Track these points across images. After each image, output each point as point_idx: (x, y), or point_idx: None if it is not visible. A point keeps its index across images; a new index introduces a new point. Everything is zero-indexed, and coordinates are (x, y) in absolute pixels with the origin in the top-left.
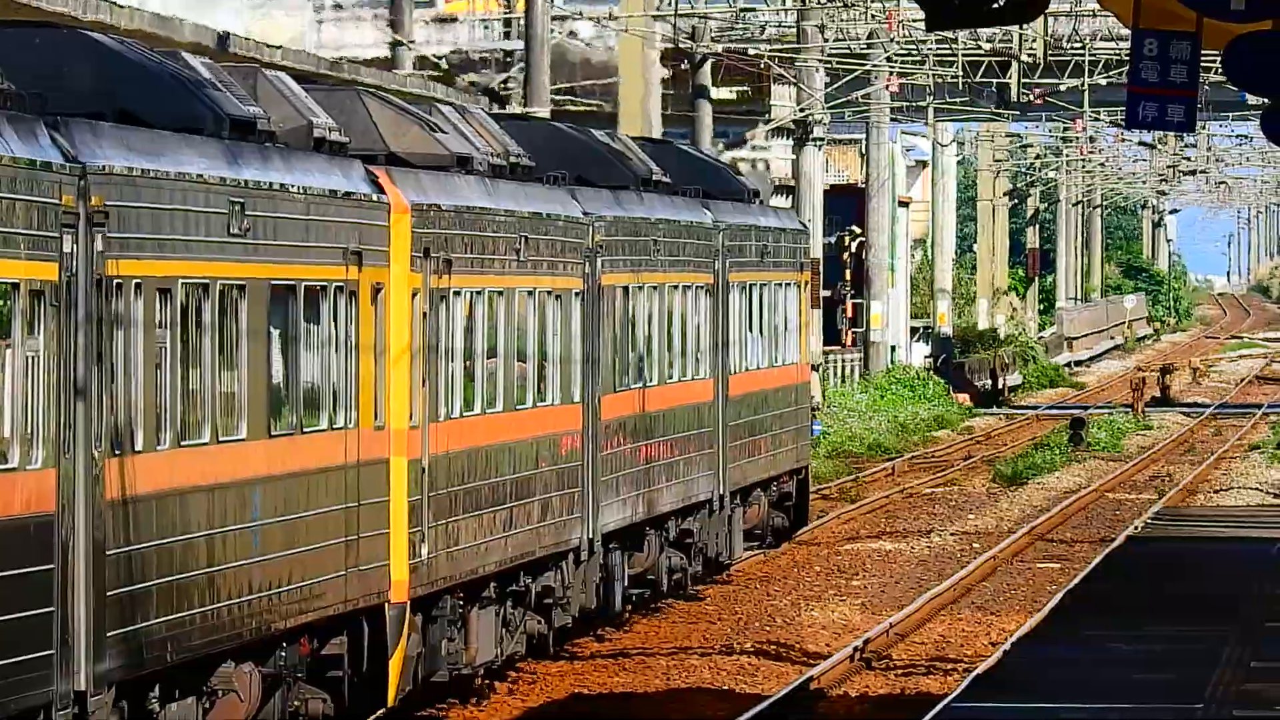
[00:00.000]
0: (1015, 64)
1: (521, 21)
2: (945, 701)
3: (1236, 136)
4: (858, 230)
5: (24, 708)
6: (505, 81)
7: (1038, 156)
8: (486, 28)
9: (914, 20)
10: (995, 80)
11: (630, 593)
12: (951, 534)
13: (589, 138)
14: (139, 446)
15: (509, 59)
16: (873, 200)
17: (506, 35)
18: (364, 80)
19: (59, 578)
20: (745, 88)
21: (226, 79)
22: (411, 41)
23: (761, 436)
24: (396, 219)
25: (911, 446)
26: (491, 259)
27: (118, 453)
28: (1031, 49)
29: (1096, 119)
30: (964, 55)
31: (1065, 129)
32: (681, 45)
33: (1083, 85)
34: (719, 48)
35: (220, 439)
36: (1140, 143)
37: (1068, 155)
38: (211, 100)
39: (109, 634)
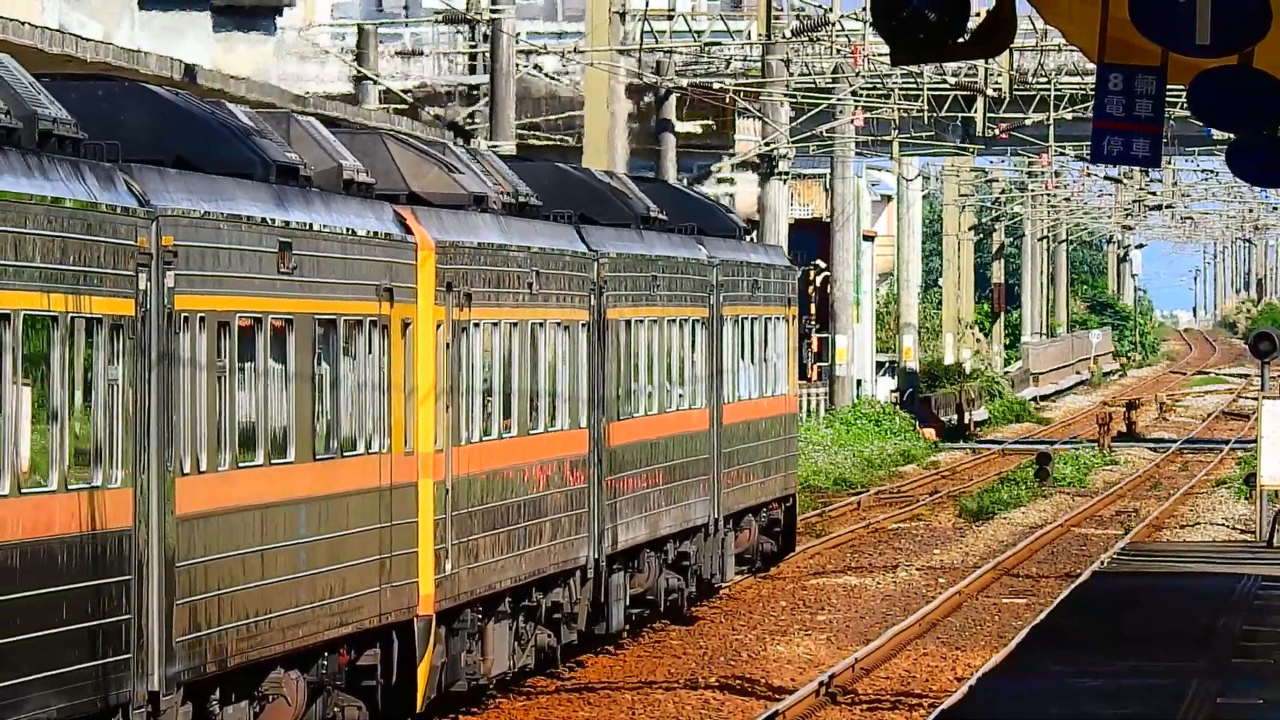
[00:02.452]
0: (980, 98)
1: (486, 56)
2: None
3: (1202, 171)
4: (823, 264)
5: (106, 706)
6: (470, 115)
7: (1003, 191)
8: (451, 61)
9: (879, 54)
10: (960, 115)
11: (630, 612)
12: (917, 569)
13: (589, 177)
14: (203, 467)
15: (474, 93)
16: (838, 234)
17: (471, 70)
18: (327, 113)
19: (135, 587)
20: (710, 121)
21: (264, 126)
22: (377, 75)
23: (753, 464)
24: (423, 257)
25: (877, 481)
26: (507, 293)
27: (185, 473)
28: (997, 83)
29: (1062, 153)
30: (929, 89)
31: (1030, 163)
32: (646, 79)
33: (1048, 120)
34: (684, 81)
35: (272, 461)
36: (1106, 177)
37: (1033, 190)
38: (258, 147)
39: (177, 640)
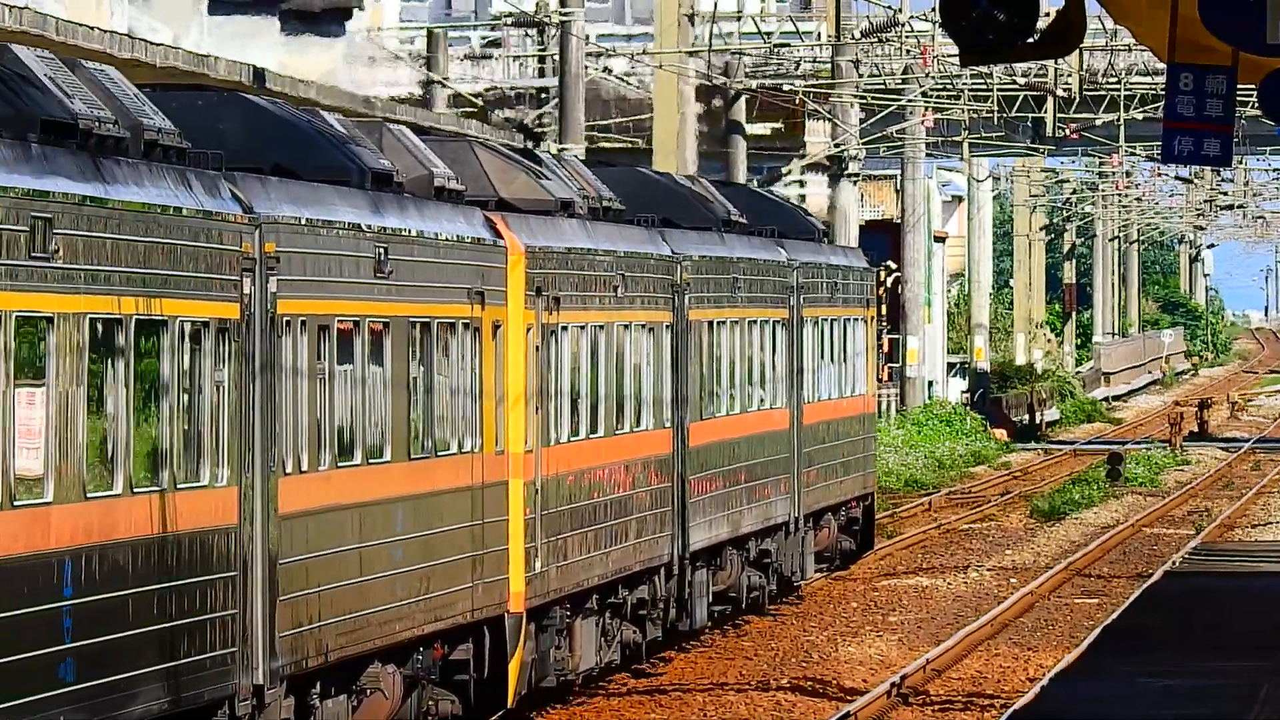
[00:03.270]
0: (1050, 99)
1: (555, 59)
2: None
3: (1273, 170)
4: (893, 266)
5: (213, 698)
6: (540, 118)
7: (1074, 191)
8: (521, 65)
9: (949, 55)
10: (1030, 115)
11: (713, 609)
12: (989, 569)
13: (671, 181)
14: (304, 467)
15: (544, 96)
16: (908, 235)
17: (541, 72)
18: (397, 116)
19: (240, 584)
20: (779, 123)
21: (357, 133)
22: (446, 78)
23: (832, 463)
24: (513, 261)
25: (948, 482)
26: (593, 296)
27: (287, 472)
28: (1067, 84)
29: (1132, 154)
30: (999, 90)
31: (1101, 164)
32: (715, 81)
33: (1118, 120)
34: (753, 83)
35: (370, 461)
36: (1177, 177)
37: (1104, 190)
38: (353, 154)
39: (280, 635)
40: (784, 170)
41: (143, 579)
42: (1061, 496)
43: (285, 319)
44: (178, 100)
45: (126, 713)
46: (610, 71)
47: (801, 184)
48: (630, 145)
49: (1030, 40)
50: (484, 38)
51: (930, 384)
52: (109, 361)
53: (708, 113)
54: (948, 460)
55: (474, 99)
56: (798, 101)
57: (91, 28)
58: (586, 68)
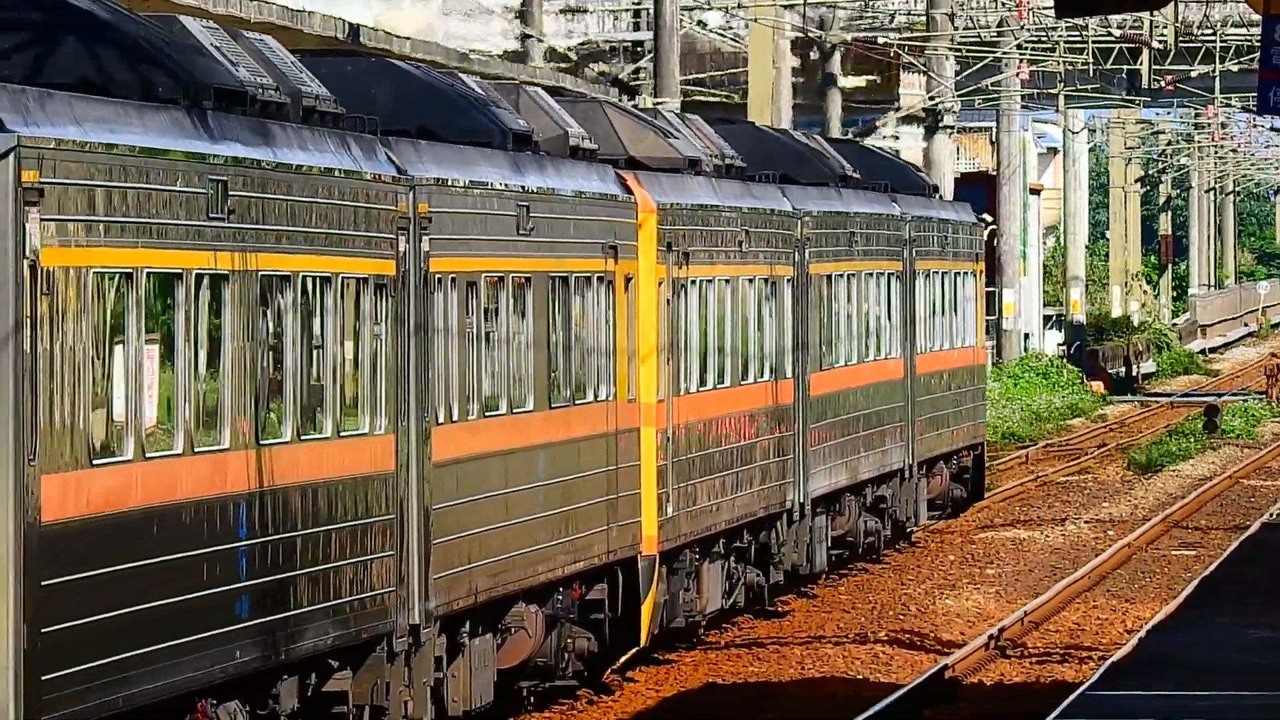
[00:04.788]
0: (1146, 50)
1: (650, 12)
2: (1081, 690)
3: None
4: (989, 218)
5: (373, 635)
6: (635, 72)
7: (1169, 143)
8: (615, 19)
9: (1044, 7)
10: (1126, 67)
11: (831, 553)
12: (1086, 522)
13: (789, 138)
14: (455, 417)
15: (638, 49)
16: (1004, 188)
17: (635, 26)
18: (491, 71)
19: (398, 527)
20: (874, 76)
21: (496, 95)
22: (541, 33)
23: (944, 412)
24: (644, 217)
25: (1045, 434)
26: (719, 250)
27: (439, 422)
28: (1162, 35)
29: (1228, 105)
30: (1094, 42)
31: (1196, 115)
32: (810, 34)
33: (1214, 71)
34: (848, 36)
35: (514, 410)
36: (1272, 128)
37: (1199, 141)
38: (494, 116)
39: (434, 577)
40: (879, 123)
41: (308, 521)
42: (1158, 449)
43: (437, 276)
44: (327, 66)
45: (294, 648)
46: (705, 25)
47: (896, 137)
48: (725, 99)
49: None
50: None
51: (1026, 337)
52: (278, 317)
53: (803, 66)
54: (1044, 413)
55: (569, 53)
56: (892, 54)
57: None
58: (681, 21)
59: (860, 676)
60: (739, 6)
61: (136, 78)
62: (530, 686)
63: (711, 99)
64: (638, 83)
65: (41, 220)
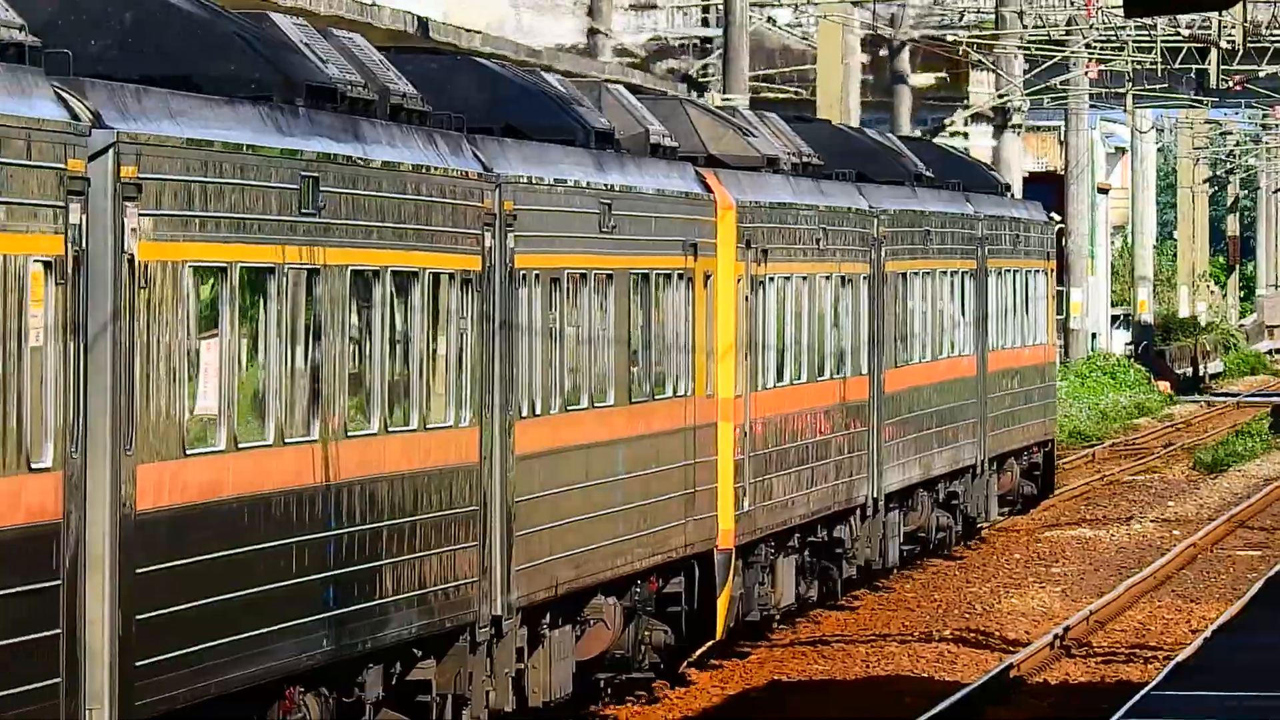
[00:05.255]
0: (1214, 50)
1: (720, 8)
2: (1146, 690)
3: None
4: (1057, 217)
5: (456, 626)
6: (704, 68)
7: (1237, 143)
8: (685, 14)
9: (1113, 6)
10: (1194, 66)
11: (903, 548)
12: (1152, 521)
13: (864, 137)
14: (537, 410)
15: (707, 45)
16: (1072, 187)
17: (705, 22)
18: (559, 67)
19: (481, 519)
20: (943, 74)
21: (579, 94)
22: (610, 29)
23: (1015, 409)
24: (723, 215)
25: (1112, 434)
26: (797, 248)
27: (523, 416)
28: (1230, 35)
29: None
30: (1163, 41)
31: (1265, 115)
32: (880, 32)
33: None
34: (917, 34)
35: (595, 405)
36: None
37: (1268, 142)
38: (577, 114)
39: (516, 569)
40: (947, 121)
41: (395, 512)
42: (1224, 449)
43: (521, 272)
44: (412, 64)
45: (380, 637)
46: (774, 22)
47: (965, 135)
48: (793, 96)
49: None
50: None
51: (1094, 336)
52: (366, 311)
53: (872, 63)
54: (1111, 412)
55: (636, 51)
56: (961, 52)
57: None
58: (751, 17)
59: (925, 675)
60: (808, 3)
61: (230, 74)
62: (608, 678)
63: (779, 95)
64: (706, 79)
65: (139, 215)
